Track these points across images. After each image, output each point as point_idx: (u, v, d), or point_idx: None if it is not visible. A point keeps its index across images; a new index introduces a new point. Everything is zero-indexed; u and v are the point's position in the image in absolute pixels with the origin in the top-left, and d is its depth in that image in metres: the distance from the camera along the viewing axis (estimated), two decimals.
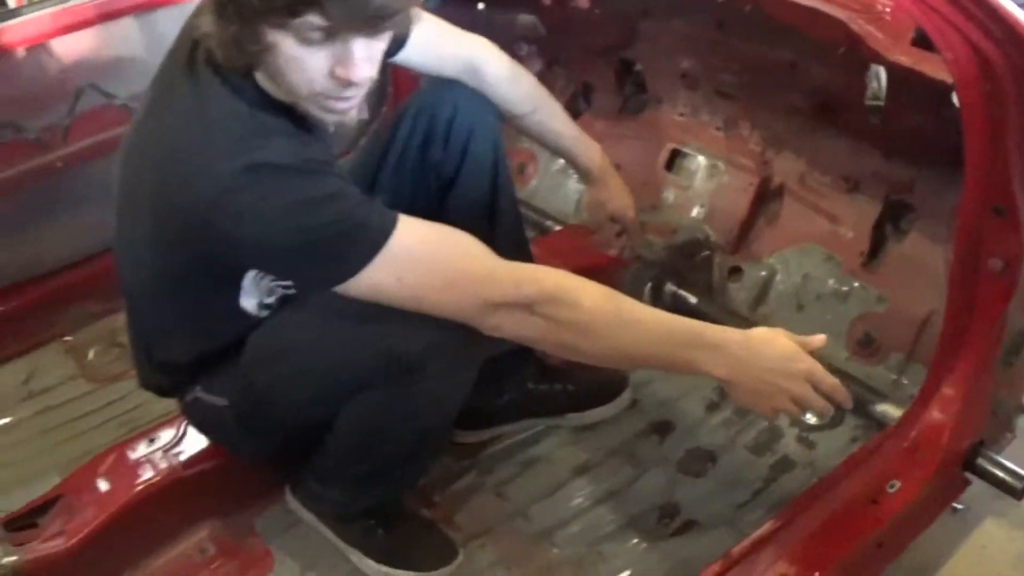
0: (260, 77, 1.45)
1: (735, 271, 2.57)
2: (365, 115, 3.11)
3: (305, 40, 1.34)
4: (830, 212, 2.42)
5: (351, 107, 1.47)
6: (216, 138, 1.40)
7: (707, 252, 2.59)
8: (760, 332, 1.55)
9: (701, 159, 2.68)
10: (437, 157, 1.90)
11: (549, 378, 2.22)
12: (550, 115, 2.06)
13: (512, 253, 1.68)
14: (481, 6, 2.98)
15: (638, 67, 2.84)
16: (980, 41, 1.38)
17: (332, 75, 1.39)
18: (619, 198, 2.15)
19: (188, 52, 1.48)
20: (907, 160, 2.21)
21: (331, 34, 1.33)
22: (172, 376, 1.78)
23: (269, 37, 1.35)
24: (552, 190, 3.01)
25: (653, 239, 2.49)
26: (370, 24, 1.36)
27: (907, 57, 1.74)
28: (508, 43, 2.70)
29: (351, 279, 1.41)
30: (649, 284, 2.45)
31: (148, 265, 1.60)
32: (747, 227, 2.57)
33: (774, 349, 1.53)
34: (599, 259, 2.25)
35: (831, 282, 2.39)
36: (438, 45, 1.89)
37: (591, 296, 1.51)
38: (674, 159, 2.74)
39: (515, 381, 2.18)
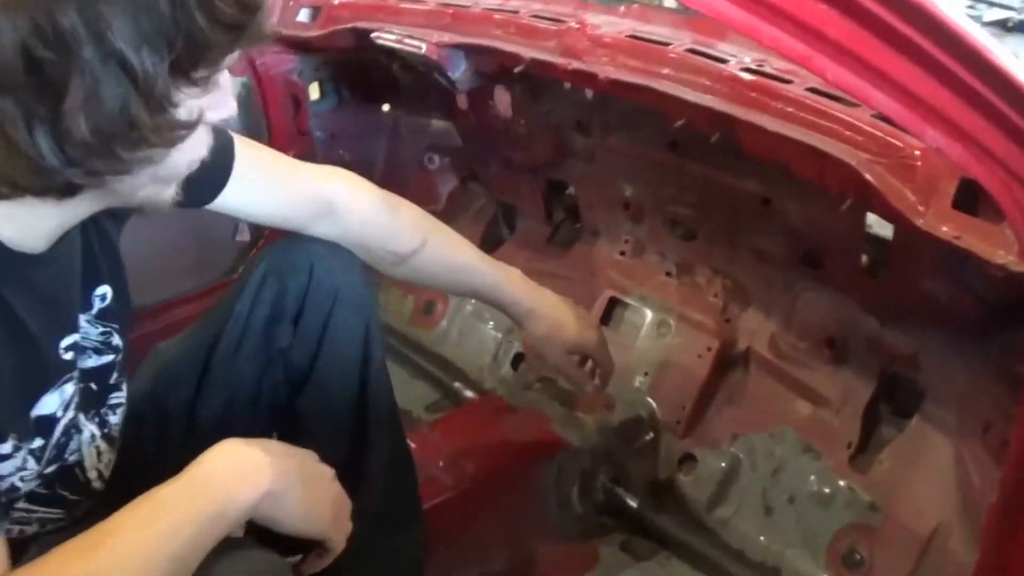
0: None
1: (687, 460, 2.27)
2: (247, 237, 2.89)
3: (207, 91, 1.11)
4: (809, 388, 2.14)
5: None
6: None
7: (651, 434, 2.30)
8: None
9: (647, 312, 2.43)
10: (284, 343, 1.55)
11: None
12: (445, 245, 1.71)
13: (389, 470, 1.57)
14: (386, 108, 2.95)
15: (570, 190, 2.65)
16: None
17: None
18: (568, 324, 1.78)
19: None
20: (911, 327, 1.91)
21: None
22: None
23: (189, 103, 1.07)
24: (465, 334, 2.80)
25: (583, 417, 2.19)
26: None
27: (951, 227, 1.36)
28: (417, 153, 2.77)
29: None
30: (576, 483, 2.13)
31: None
32: (703, 404, 2.29)
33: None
34: (516, 447, 2.01)
35: (810, 480, 2.09)
36: (275, 180, 1.51)
37: None
38: (612, 309, 2.47)
39: None
